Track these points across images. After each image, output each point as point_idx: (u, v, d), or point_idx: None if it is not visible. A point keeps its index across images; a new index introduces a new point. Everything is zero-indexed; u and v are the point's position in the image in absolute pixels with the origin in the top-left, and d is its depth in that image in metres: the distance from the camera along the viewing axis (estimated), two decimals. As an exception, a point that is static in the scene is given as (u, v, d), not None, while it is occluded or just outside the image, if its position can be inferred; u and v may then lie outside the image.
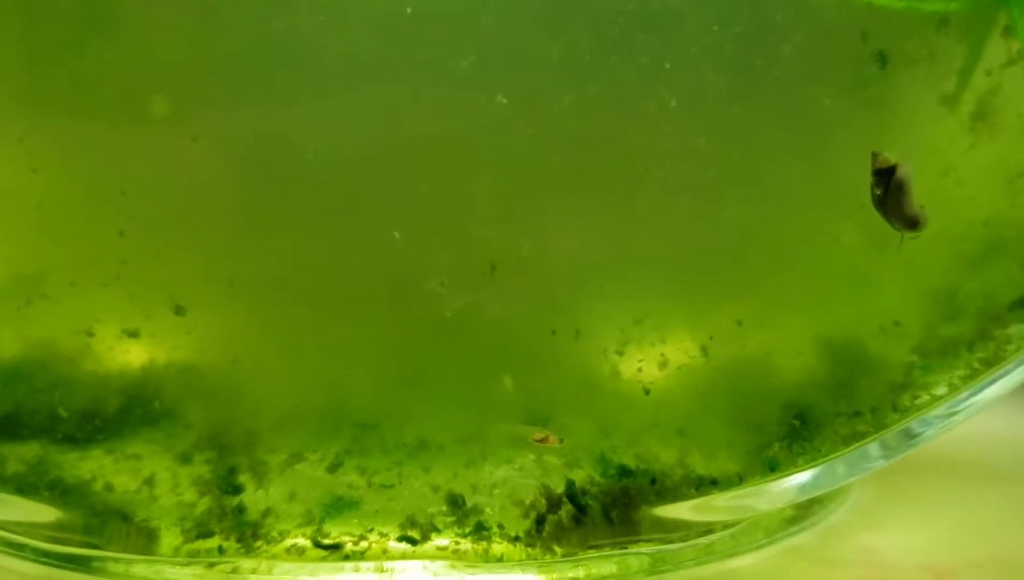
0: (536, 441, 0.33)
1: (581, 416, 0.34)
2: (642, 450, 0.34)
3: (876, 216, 0.33)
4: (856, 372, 0.36)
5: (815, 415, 0.35)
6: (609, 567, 0.34)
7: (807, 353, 0.35)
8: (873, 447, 0.36)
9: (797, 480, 0.36)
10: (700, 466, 0.35)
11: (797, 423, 0.35)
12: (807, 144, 0.34)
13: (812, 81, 0.33)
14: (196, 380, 0.34)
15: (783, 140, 0.34)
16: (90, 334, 0.33)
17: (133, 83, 0.31)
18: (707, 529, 0.36)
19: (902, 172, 0.31)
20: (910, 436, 0.36)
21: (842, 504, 0.42)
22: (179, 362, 0.33)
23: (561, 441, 0.33)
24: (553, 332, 0.34)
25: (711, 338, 0.34)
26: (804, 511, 0.40)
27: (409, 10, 0.30)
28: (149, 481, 0.33)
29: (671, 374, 0.34)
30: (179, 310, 0.32)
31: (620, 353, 0.34)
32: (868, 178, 0.32)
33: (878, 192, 0.32)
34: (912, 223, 0.32)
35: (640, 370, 0.34)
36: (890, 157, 0.32)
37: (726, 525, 0.37)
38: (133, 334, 0.33)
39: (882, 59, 0.33)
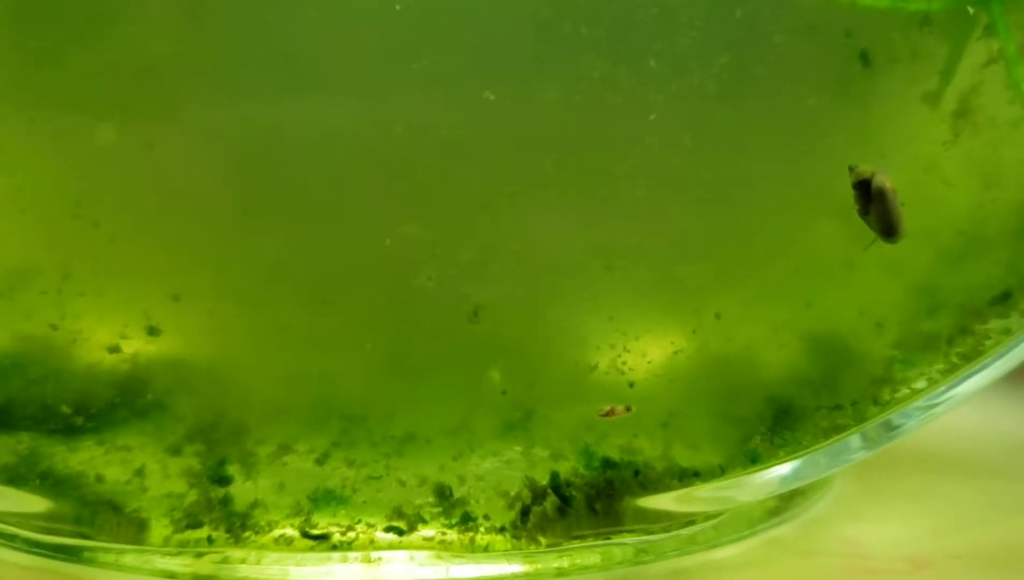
0: (602, 415, 0.33)
1: (565, 409, 0.35)
2: (626, 443, 0.35)
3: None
4: (837, 366, 0.36)
5: (796, 408, 0.36)
6: (593, 557, 0.35)
7: (789, 347, 0.36)
8: (854, 439, 0.36)
9: (779, 472, 0.36)
10: (683, 458, 0.35)
11: (778, 416, 0.36)
12: (789, 141, 0.35)
13: (796, 79, 0.34)
14: (186, 373, 0.34)
15: (765, 137, 0.34)
16: (67, 329, 0.33)
17: (83, 94, 0.31)
18: (690, 520, 0.36)
19: (878, 181, 0.31)
20: (890, 428, 0.36)
21: (824, 496, 0.42)
22: (169, 355, 0.34)
23: (628, 409, 0.33)
24: (537, 325, 0.34)
25: (693, 331, 0.34)
26: (786, 503, 0.40)
27: (398, 7, 0.30)
28: (140, 472, 0.34)
29: (654, 368, 0.35)
30: (153, 330, 0.33)
31: (603, 346, 0.34)
32: (848, 174, 0.33)
33: (858, 206, 0.32)
34: (887, 233, 0.32)
35: (624, 363, 0.34)
36: (866, 169, 0.32)
37: (708, 516, 0.37)
38: (123, 329, 0.33)
39: (866, 58, 0.33)
